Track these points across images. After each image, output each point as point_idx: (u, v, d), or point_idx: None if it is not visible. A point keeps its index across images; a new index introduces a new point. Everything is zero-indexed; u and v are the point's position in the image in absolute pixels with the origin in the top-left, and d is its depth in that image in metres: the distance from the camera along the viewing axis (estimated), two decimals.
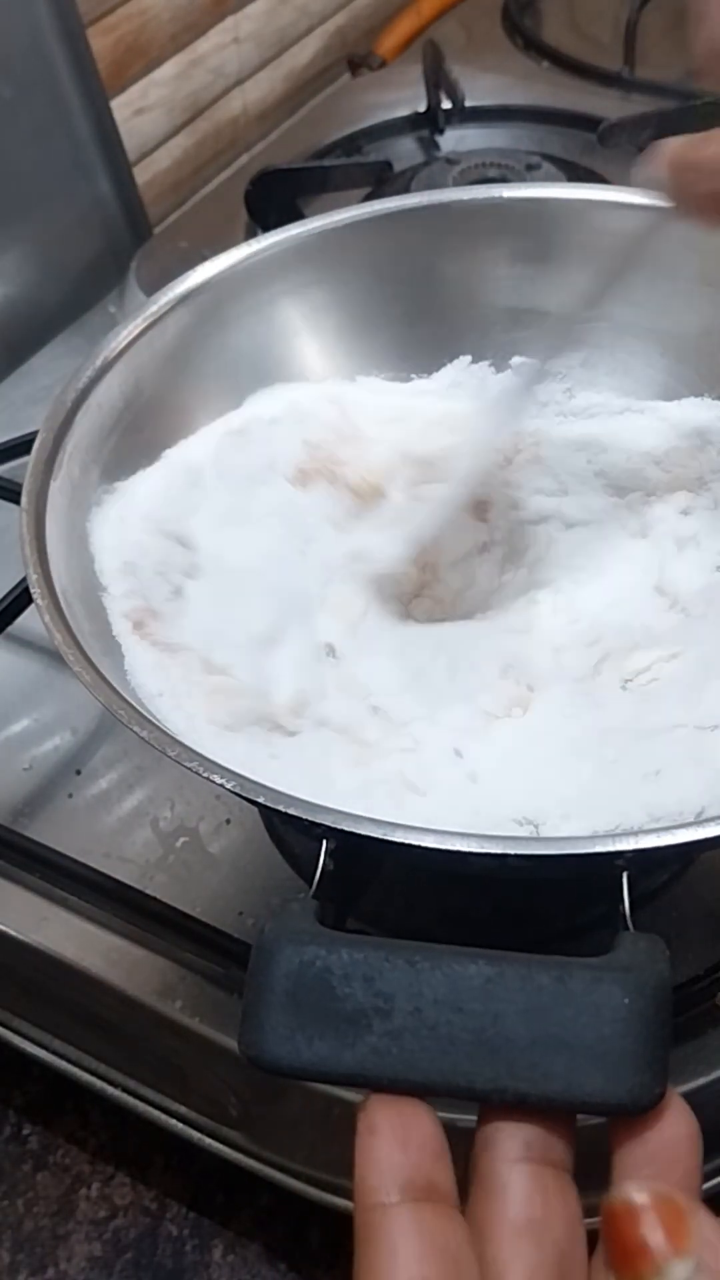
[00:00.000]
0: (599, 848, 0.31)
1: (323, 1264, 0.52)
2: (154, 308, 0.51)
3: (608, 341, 0.55)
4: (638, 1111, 0.28)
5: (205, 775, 0.34)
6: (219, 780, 0.34)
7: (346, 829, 0.32)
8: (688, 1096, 0.27)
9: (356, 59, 1.02)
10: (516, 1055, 0.27)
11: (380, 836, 0.32)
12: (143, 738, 0.35)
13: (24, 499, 0.42)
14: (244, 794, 0.34)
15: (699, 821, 0.32)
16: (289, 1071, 0.28)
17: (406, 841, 0.32)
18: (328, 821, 0.33)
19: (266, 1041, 0.28)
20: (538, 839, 0.38)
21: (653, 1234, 0.23)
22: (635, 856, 0.31)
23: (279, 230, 0.54)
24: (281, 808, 0.33)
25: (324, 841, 0.33)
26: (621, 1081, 0.27)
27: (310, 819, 0.33)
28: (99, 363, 0.48)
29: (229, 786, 0.34)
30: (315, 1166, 0.48)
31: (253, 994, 0.29)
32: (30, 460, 0.44)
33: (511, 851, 0.32)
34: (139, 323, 0.50)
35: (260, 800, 0.34)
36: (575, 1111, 0.27)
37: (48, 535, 0.42)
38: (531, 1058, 0.27)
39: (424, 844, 0.32)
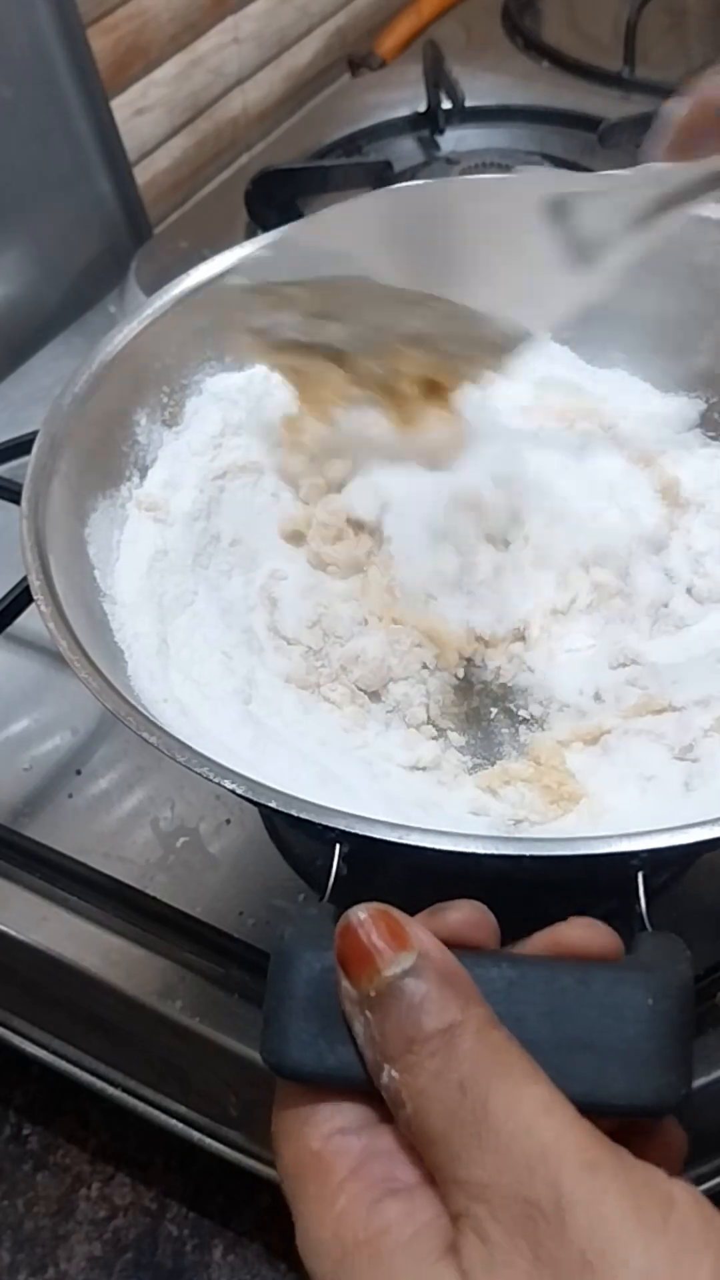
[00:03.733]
0: (615, 847, 0.31)
1: None
2: (152, 308, 0.50)
3: (601, 338, 0.55)
4: (664, 1112, 0.28)
5: (216, 780, 0.34)
6: (229, 785, 0.34)
7: (360, 832, 0.32)
8: (688, 1096, 0.27)
9: (356, 59, 1.02)
10: (541, 1059, 0.27)
11: (394, 840, 0.32)
12: (151, 744, 0.35)
13: (24, 504, 0.42)
14: (255, 799, 0.34)
15: (713, 820, 0.32)
16: (312, 1078, 0.28)
17: (421, 844, 0.31)
18: (340, 825, 0.32)
19: (289, 1048, 0.28)
20: (553, 840, 0.37)
21: (378, 939, 0.28)
22: (650, 856, 0.31)
23: (279, 230, 0.54)
24: (294, 812, 0.33)
25: (337, 845, 0.33)
26: (647, 1083, 0.27)
27: (324, 823, 0.32)
28: (98, 363, 0.48)
29: (240, 791, 0.34)
30: None
31: (274, 1001, 0.29)
32: (30, 462, 0.44)
33: (527, 853, 0.32)
34: (138, 323, 0.50)
35: (273, 805, 0.33)
36: (601, 1114, 0.27)
37: (47, 533, 0.42)
38: (556, 1060, 0.27)
39: (439, 846, 0.32)
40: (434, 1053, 0.26)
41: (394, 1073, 0.27)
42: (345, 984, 0.28)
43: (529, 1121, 0.25)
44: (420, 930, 0.28)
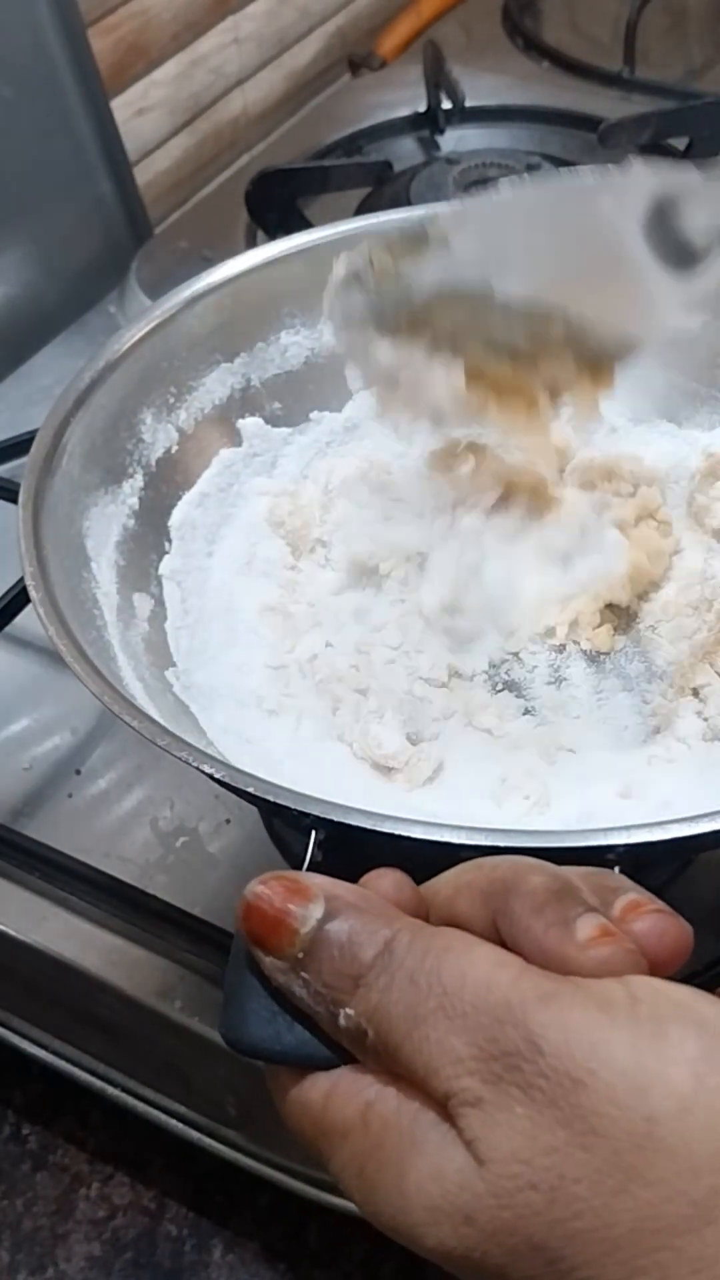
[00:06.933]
0: (590, 841, 0.31)
1: (321, 1263, 0.52)
2: (159, 311, 0.50)
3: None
4: None
5: (195, 765, 0.34)
6: (208, 770, 0.34)
7: (335, 819, 0.32)
8: None
9: (357, 59, 1.03)
10: None
11: (369, 827, 0.32)
12: (133, 727, 0.35)
13: (22, 495, 0.42)
14: (232, 783, 0.34)
15: (692, 818, 0.32)
16: (269, 1055, 0.28)
17: (395, 832, 0.32)
18: (316, 811, 0.33)
19: (247, 1025, 0.28)
20: (527, 831, 0.37)
21: (282, 903, 0.27)
22: (627, 851, 0.31)
23: (287, 238, 0.54)
24: (270, 798, 0.33)
25: (313, 832, 0.33)
26: None
27: (299, 809, 0.33)
28: (102, 364, 0.48)
29: (217, 776, 0.34)
30: (314, 1166, 0.48)
31: (233, 977, 0.29)
32: (29, 458, 0.44)
33: (501, 844, 0.32)
34: (145, 324, 0.50)
35: (250, 790, 0.34)
36: None
37: (45, 533, 0.42)
38: None
39: (412, 835, 0.32)
40: (380, 972, 0.26)
41: (348, 1011, 0.27)
42: (268, 960, 0.28)
43: (486, 977, 0.25)
44: (316, 877, 0.28)
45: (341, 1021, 0.27)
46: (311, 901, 0.28)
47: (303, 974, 0.27)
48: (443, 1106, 0.25)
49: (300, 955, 0.27)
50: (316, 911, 0.27)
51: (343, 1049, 0.28)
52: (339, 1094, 0.27)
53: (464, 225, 0.45)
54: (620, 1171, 0.23)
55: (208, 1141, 0.50)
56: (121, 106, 0.84)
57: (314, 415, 0.55)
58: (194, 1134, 0.50)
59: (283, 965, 0.28)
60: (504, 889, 0.28)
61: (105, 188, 0.81)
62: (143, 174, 0.88)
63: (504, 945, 0.27)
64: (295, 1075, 0.28)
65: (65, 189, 0.79)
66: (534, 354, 0.45)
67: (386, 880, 0.29)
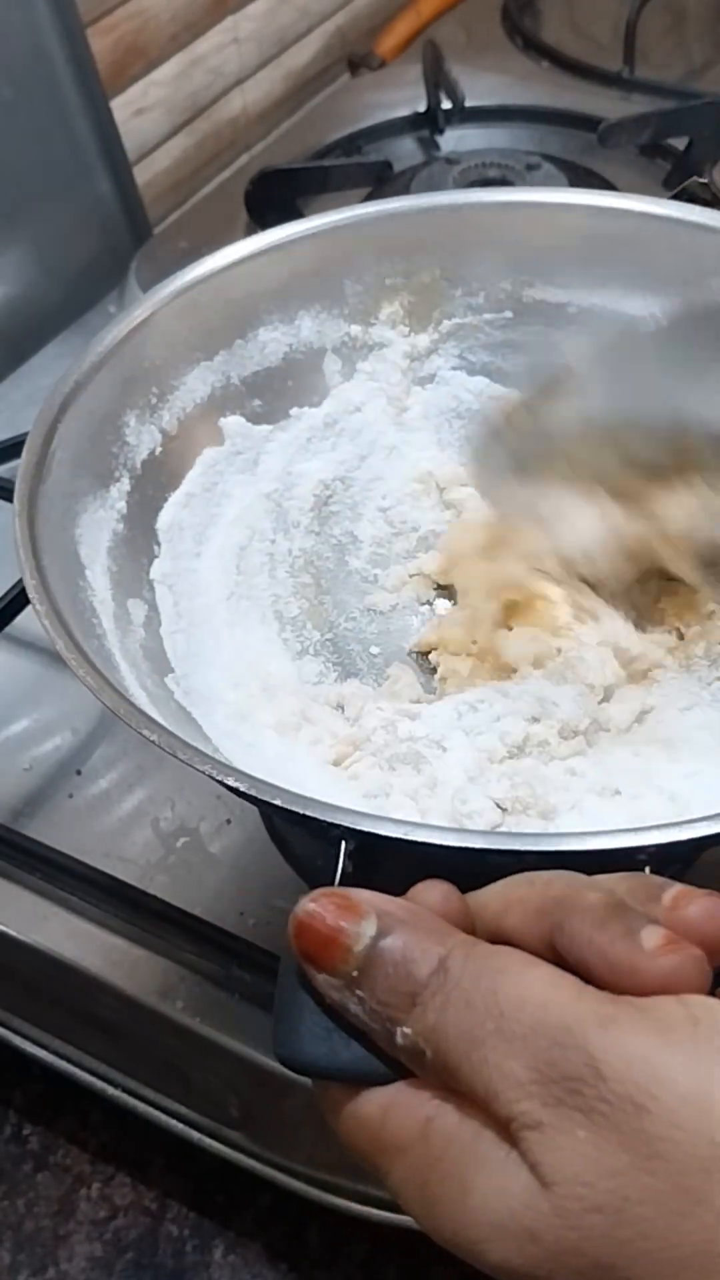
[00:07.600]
0: (622, 842, 0.31)
1: (322, 1264, 0.52)
2: (139, 310, 0.50)
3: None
4: None
5: (219, 778, 0.34)
6: (231, 783, 0.34)
7: (366, 829, 0.32)
8: None
9: (356, 59, 1.02)
10: None
11: (400, 836, 0.32)
12: (153, 741, 0.35)
13: (16, 503, 0.42)
14: (259, 796, 0.33)
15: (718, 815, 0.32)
16: (326, 1073, 0.28)
17: (428, 840, 0.31)
18: (346, 822, 0.32)
19: (301, 1044, 0.28)
20: (558, 835, 0.37)
21: (334, 920, 0.27)
22: (658, 851, 0.31)
23: (261, 234, 0.53)
24: (298, 809, 0.33)
25: (342, 843, 0.33)
26: None
27: (329, 820, 0.32)
28: (86, 365, 0.47)
29: (242, 789, 0.33)
30: (315, 1167, 0.48)
31: (285, 995, 0.28)
32: (20, 465, 0.44)
33: (531, 848, 0.31)
34: (125, 325, 0.49)
35: (277, 803, 0.33)
36: None
37: (41, 543, 0.42)
38: None
39: (445, 842, 0.31)
40: (435, 991, 0.26)
41: (405, 1030, 0.27)
42: (321, 977, 0.28)
43: (543, 998, 0.25)
44: (366, 894, 0.28)
45: (399, 1040, 0.27)
46: (364, 919, 0.27)
47: (358, 991, 0.27)
48: (504, 1127, 0.25)
49: (355, 973, 0.27)
50: (369, 929, 0.27)
51: (398, 1064, 0.27)
52: (398, 1109, 0.27)
53: (598, 365, 0.46)
54: (685, 1194, 0.23)
55: (209, 1142, 0.50)
56: (121, 106, 0.84)
57: (294, 412, 0.54)
58: (195, 1134, 0.50)
59: (337, 983, 0.27)
60: (558, 906, 0.28)
61: (104, 188, 0.81)
62: (142, 174, 0.88)
63: (558, 960, 0.27)
64: (349, 1091, 0.28)
65: (65, 189, 0.79)
66: (677, 466, 0.45)
67: (435, 893, 0.29)
